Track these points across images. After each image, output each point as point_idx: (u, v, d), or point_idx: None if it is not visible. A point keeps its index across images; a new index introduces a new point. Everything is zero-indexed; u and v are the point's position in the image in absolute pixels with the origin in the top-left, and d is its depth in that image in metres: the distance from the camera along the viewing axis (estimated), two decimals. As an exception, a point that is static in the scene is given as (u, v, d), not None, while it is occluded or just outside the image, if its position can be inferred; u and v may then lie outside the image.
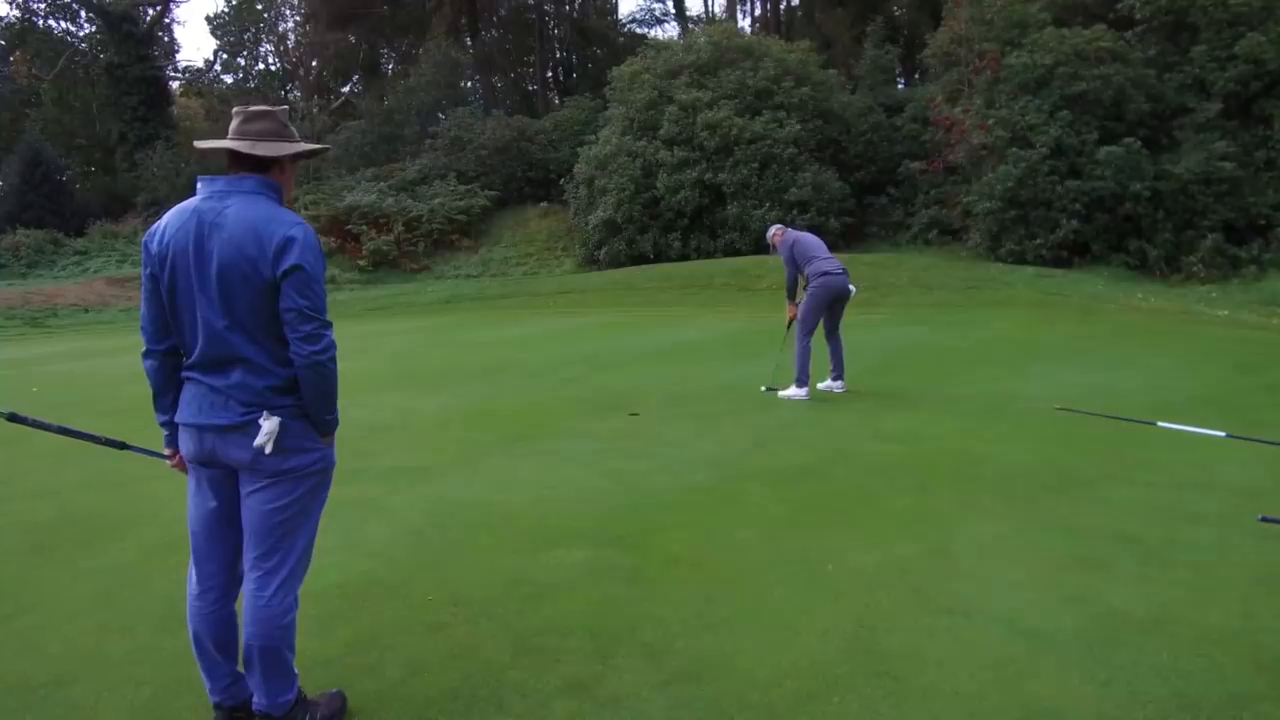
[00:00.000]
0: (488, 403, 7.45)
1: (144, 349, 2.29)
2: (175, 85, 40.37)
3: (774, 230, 7.61)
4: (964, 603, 3.00)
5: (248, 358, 2.17)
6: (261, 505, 2.22)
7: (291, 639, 2.29)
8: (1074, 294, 15.25)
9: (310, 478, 2.26)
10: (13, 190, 31.28)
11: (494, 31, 41.41)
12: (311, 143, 2.45)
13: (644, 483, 4.71)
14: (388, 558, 3.64)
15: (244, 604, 2.27)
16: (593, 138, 24.75)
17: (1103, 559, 3.39)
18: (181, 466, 2.38)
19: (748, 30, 33.32)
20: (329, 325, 2.19)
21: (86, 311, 19.12)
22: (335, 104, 40.18)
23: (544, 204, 27.46)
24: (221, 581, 2.32)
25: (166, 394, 2.31)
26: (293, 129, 2.34)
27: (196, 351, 2.21)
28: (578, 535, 3.84)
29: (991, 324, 12.31)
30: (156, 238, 2.22)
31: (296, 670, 2.33)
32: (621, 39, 39.00)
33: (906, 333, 11.61)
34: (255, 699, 2.30)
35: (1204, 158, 17.55)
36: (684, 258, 22.00)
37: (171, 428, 2.34)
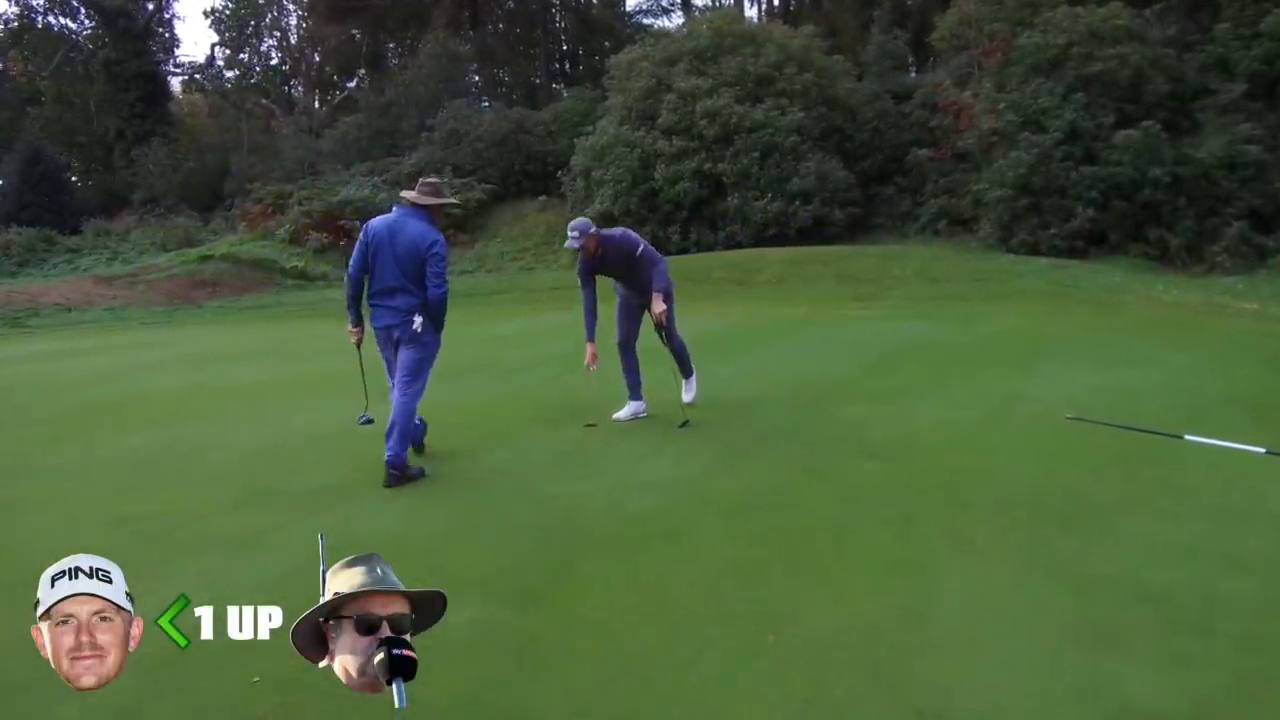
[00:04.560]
0: (442, 409, 6.72)
1: (351, 278, 4.77)
2: (176, 81, 40.03)
3: (591, 229, 5.79)
4: (936, 694, 2.31)
5: (409, 290, 4.58)
6: (408, 355, 4.67)
7: (411, 423, 4.66)
8: (1089, 286, 14.43)
9: (430, 345, 4.72)
10: (11, 189, 30.99)
11: (500, 25, 40.76)
12: (448, 198, 5.02)
13: (579, 511, 4.03)
14: (235, 617, 2.97)
15: (393, 402, 4.66)
16: (590, 129, 24.05)
17: (1119, 627, 2.68)
18: (356, 340, 4.95)
19: (754, 19, 32.46)
20: (446, 280, 4.63)
21: (70, 311, 18.61)
22: (338, 99, 39.67)
23: (542, 197, 26.76)
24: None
25: (358, 300, 4.79)
26: (444, 190, 4.86)
27: (381, 287, 4.63)
28: (476, 585, 3.16)
29: (999, 318, 11.55)
30: (371, 229, 4.67)
31: (406, 450, 4.61)
32: (628, 30, 38.21)
33: (907, 328, 10.87)
34: (388, 454, 4.50)
35: (1228, 141, 16.61)
36: (683, 251, 21.26)
37: (358, 320, 4.86)
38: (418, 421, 4.80)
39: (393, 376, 4.79)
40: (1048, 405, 6.06)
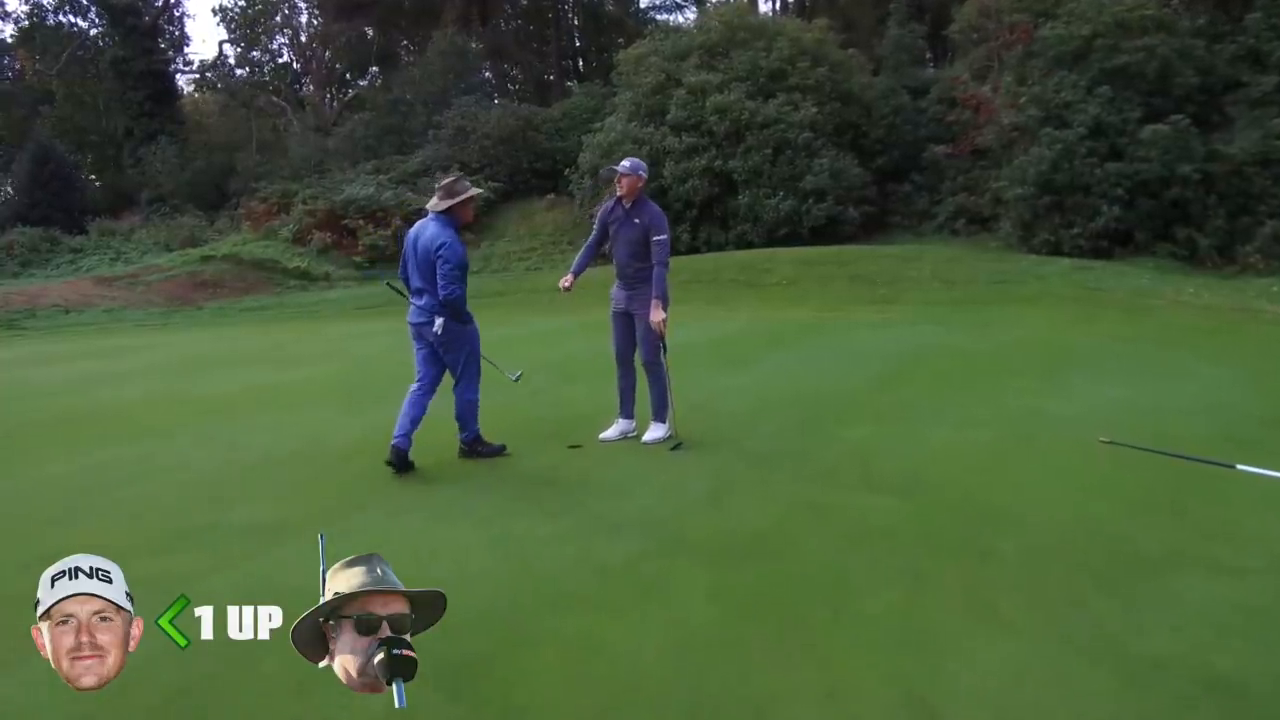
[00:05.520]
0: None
1: (400, 278, 5.17)
2: (187, 79, 39.90)
3: (643, 172, 5.39)
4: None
5: (430, 291, 4.88)
6: (449, 359, 5.05)
7: (473, 413, 5.14)
8: (1115, 288, 13.75)
9: (460, 345, 5.01)
10: (22, 188, 30.89)
11: (515, 22, 40.37)
12: (460, 191, 5.02)
13: (542, 558, 3.53)
14: (117, 696, 2.48)
15: (455, 400, 5.10)
16: (599, 125, 23.56)
17: (1185, 736, 2.15)
18: None
19: (768, 13, 31.83)
20: (455, 281, 4.80)
21: (67, 313, 18.30)
22: (349, 97, 39.40)
23: (550, 196, 26.30)
24: (426, 383, 5.08)
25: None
26: (459, 187, 4.97)
27: (412, 288, 5.02)
28: (403, 660, 2.66)
29: (1020, 324, 10.94)
30: (407, 236, 5.08)
31: (475, 429, 5.15)
32: (640, 26, 37.69)
33: (920, 334, 10.28)
34: (461, 439, 5.17)
35: (1260, 136, 15.90)
36: (693, 250, 20.75)
37: None
38: (498, 445, 5.23)
39: (419, 368, 5.14)
40: (1076, 425, 5.51)
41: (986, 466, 4.67)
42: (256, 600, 3.20)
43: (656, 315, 5.29)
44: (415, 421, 4.94)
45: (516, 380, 6.06)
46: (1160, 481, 4.27)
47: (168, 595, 3.29)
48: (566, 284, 5.52)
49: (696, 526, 3.84)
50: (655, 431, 5.47)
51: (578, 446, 5.38)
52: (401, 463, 4.82)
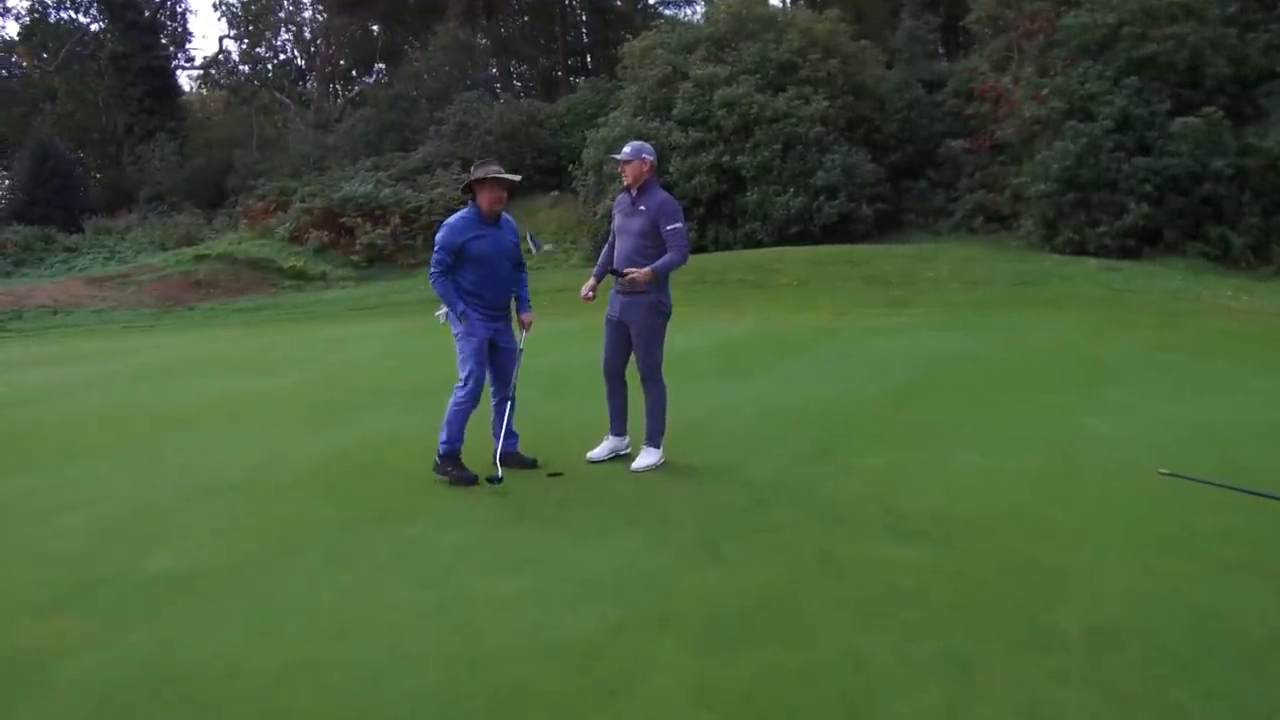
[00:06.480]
0: (385, 444, 5.66)
1: None
2: (190, 75, 39.54)
3: (648, 155, 4.79)
4: None
5: None
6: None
7: (455, 421, 4.65)
8: (1147, 291, 12.99)
9: (457, 339, 4.74)
10: (22, 186, 30.52)
11: (521, 17, 39.78)
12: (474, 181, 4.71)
13: (493, 631, 2.88)
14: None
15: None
16: (603, 120, 22.92)
17: None
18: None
19: (777, 4, 31.09)
20: (432, 265, 4.69)
21: (55, 314, 17.79)
22: (354, 93, 38.90)
23: (554, 193, 25.70)
24: (493, 388, 5.01)
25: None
26: (474, 170, 4.71)
27: None
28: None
29: (1048, 329, 10.21)
30: None
31: (452, 442, 4.64)
32: (648, 22, 37.01)
33: (941, 340, 9.56)
34: (438, 445, 4.66)
35: (1296, 130, 15.16)
36: (700, 250, 20.05)
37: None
38: (471, 475, 4.63)
39: None
40: (1127, 450, 4.84)
41: (1030, 506, 3.99)
42: (133, 685, 2.58)
43: (641, 273, 4.59)
44: (498, 430, 4.82)
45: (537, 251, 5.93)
46: (1239, 528, 3.59)
47: (26, 680, 2.68)
48: (588, 293, 4.91)
49: (685, 588, 3.18)
50: (647, 458, 4.83)
51: (558, 475, 4.74)
52: (517, 463, 4.86)
